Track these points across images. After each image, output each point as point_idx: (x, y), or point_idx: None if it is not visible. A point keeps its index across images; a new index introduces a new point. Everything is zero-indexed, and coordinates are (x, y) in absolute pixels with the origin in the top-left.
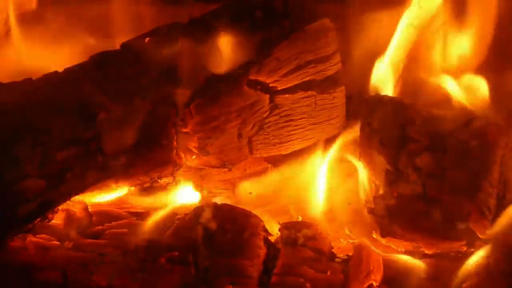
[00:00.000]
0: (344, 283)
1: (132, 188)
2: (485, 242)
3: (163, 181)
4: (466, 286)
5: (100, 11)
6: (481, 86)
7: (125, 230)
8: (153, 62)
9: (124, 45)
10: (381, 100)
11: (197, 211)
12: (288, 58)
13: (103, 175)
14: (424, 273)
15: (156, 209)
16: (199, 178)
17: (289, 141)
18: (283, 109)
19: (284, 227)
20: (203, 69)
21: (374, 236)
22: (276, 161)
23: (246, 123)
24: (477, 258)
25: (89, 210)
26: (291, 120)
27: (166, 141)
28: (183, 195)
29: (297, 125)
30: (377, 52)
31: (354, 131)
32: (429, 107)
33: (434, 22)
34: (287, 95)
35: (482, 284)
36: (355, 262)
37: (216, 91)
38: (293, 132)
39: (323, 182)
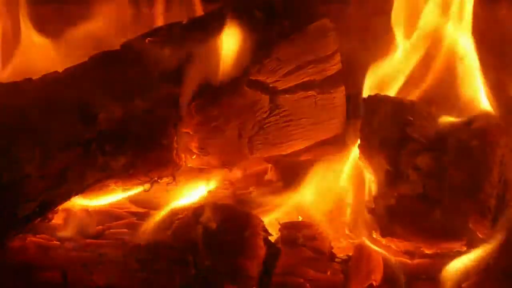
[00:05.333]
0: (344, 283)
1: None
2: (485, 242)
3: (163, 181)
4: (466, 286)
5: (100, 11)
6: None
7: (125, 230)
8: (153, 62)
9: (124, 45)
10: (381, 100)
11: (197, 211)
12: (288, 58)
13: (103, 175)
14: (424, 273)
15: (156, 209)
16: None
17: (289, 141)
18: (283, 109)
19: (284, 227)
20: (203, 69)
21: (374, 236)
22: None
23: (246, 123)
24: (477, 258)
25: (89, 210)
26: (291, 120)
27: (166, 141)
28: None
29: (297, 125)
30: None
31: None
32: (429, 107)
33: None
34: (287, 95)
35: (482, 284)
36: (355, 262)
37: (216, 91)
38: (293, 132)
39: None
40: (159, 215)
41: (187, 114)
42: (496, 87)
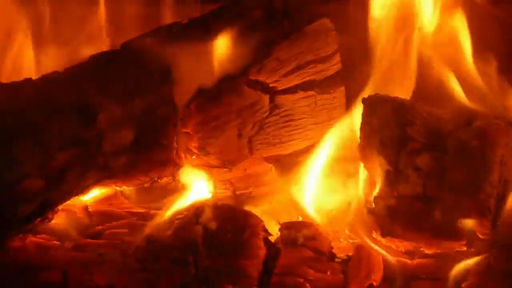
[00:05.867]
0: (344, 283)
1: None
2: (485, 242)
3: (163, 181)
4: (466, 286)
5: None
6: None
7: (125, 230)
8: (153, 62)
9: (124, 45)
10: (381, 100)
11: (197, 211)
12: (288, 58)
13: (103, 175)
14: (424, 273)
15: (156, 209)
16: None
17: (289, 141)
18: (283, 109)
19: (284, 227)
20: (203, 69)
21: (374, 236)
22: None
23: (246, 123)
24: (477, 258)
25: (89, 210)
26: (291, 120)
27: (166, 141)
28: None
29: (297, 125)
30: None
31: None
32: (429, 107)
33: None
34: (287, 95)
35: (482, 284)
36: (355, 262)
37: (216, 91)
38: (293, 132)
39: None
40: (159, 215)
41: (187, 114)
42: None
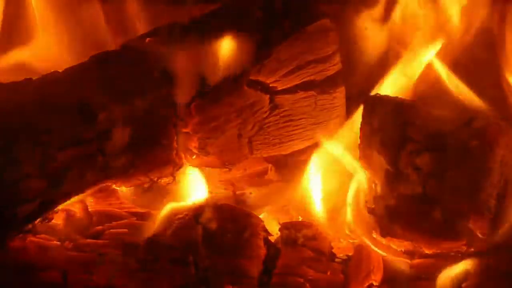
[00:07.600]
0: (344, 283)
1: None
2: (485, 242)
3: (163, 181)
4: (466, 286)
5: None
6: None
7: (125, 230)
8: (153, 62)
9: (124, 45)
10: (381, 100)
11: (197, 211)
12: (288, 58)
13: (103, 175)
14: (424, 273)
15: (156, 209)
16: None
17: (289, 141)
18: (283, 109)
19: (284, 227)
20: (203, 69)
21: (374, 236)
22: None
23: (246, 123)
24: (477, 258)
25: (89, 210)
26: (291, 120)
27: (166, 141)
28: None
29: (297, 125)
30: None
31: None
32: (429, 107)
33: None
34: (287, 95)
35: (482, 284)
36: (355, 262)
37: (216, 91)
38: (293, 132)
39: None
40: (159, 215)
41: (187, 114)
42: (496, 87)
